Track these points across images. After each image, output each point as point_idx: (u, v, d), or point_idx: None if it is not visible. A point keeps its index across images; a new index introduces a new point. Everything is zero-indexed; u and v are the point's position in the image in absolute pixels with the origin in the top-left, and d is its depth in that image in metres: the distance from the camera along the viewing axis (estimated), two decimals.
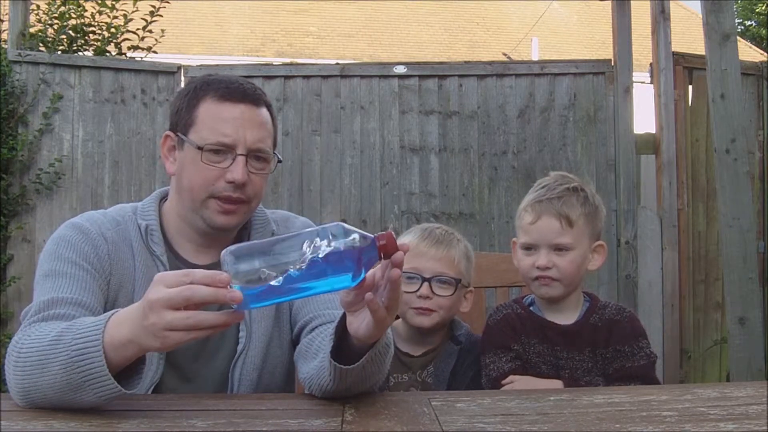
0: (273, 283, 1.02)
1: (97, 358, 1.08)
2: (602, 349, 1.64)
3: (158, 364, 1.43)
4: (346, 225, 1.06)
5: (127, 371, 1.14)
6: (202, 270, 1.04)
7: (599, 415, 1.13)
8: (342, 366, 1.17)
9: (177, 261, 1.50)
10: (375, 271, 1.10)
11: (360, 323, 1.14)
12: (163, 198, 1.58)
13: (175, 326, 1.02)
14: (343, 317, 1.19)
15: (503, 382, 1.59)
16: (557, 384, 1.57)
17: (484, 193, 4.36)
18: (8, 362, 1.19)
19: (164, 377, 1.44)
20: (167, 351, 1.39)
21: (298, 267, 1.02)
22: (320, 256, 1.03)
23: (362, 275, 1.06)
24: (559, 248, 1.64)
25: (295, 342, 1.52)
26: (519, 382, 1.58)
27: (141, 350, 1.09)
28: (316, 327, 1.44)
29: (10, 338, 1.23)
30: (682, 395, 1.26)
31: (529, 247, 1.67)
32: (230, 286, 1.01)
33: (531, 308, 1.72)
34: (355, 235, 1.05)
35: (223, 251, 1.04)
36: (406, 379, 1.75)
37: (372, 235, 1.07)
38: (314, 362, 1.29)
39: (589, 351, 1.64)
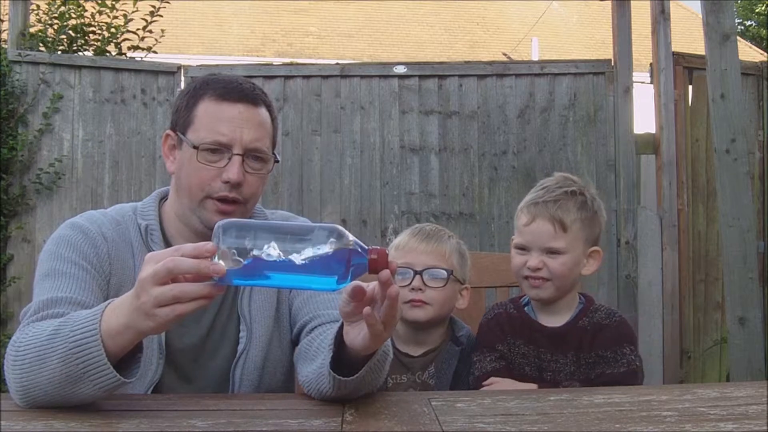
0: (259, 261, 1.02)
1: (96, 347, 1.08)
2: (586, 353, 1.63)
3: (158, 363, 1.43)
4: (342, 229, 1.06)
5: (125, 362, 1.14)
6: (191, 244, 1.05)
7: (599, 415, 1.13)
8: (341, 377, 1.18)
9: None
10: (375, 286, 1.09)
11: (357, 334, 1.14)
12: (163, 198, 1.58)
13: (161, 301, 1.02)
14: (341, 326, 1.19)
15: (484, 383, 1.60)
16: (532, 387, 1.57)
17: (484, 193, 4.36)
18: (7, 362, 1.19)
19: (164, 377, 1.44)
20: (161, 331, 1.38)
21: (287, 256, 1.02)
22: (311, 252, 1.03)
23: (347, 281, 1.05)
24: (551, 251, 1.64)
25: (294, 342, 1.52)
26: (497, 384, 1.58)
27: (137, 335, 1.09)
28: (316, 327, 1.44)
29: (10, 338, 1.24)
30: (682, 395, 1.26)
31: (522, 248, 1.68)
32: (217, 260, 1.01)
33: (525, 309, 1.72)
34: (350, 241, 1.05)
35: (218, 223, 1.04)
36: (405, 380, 1.74)
37: (366, 247, 1.06)
38: (313, 365, 1.29)
39: (572, 354, 1.63)
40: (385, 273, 1.05)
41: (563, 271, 1.64)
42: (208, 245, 1.02)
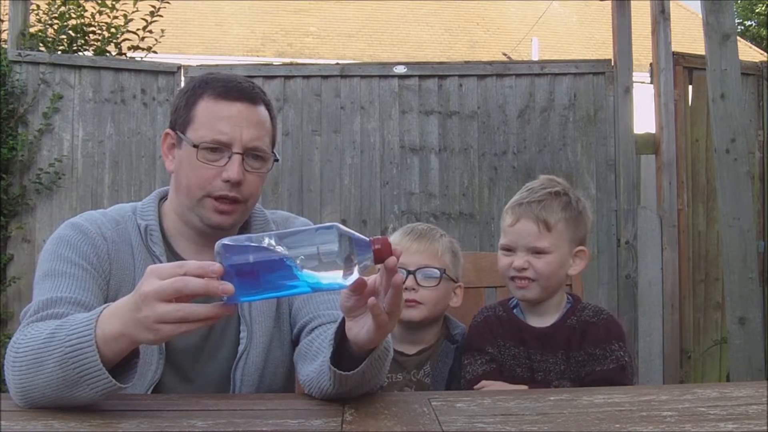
0: (265, 275, 1.02)
1: (90, 353, 1.08)
2: (575, 351, 1.64)
3: (158, 364, 1.43)
4: (342, 226, 1.06)
5: (122, 366, 1.14)
6: (195, 261, 1.04)
7: (599, 415, 1.13)
8: (342, 372, 1.17)
9: (176, 261, 1.50)
10: (376, 277, 1.10)
11: (360, 329, 1.14)
12: (163, 198, 1.58)
13: (166, 318, 1.02)
14: (342, 322, 1.19)
15: (475, 387, 1.60)
16: (522, 389, 1.57)
17: (484, 193, 4.36)
18: (7, 362, 1.19)
19: (164, 377, 1.44)
20: (160, 343, 1.39)
21: (290, 264, 1.02)
22: (314, 253, 1.03)
23: (354, 277, 1.05)
24: (536, 251, 1.65)
25: (294, 342, 1.52)
26: (489, 387, 1.59)
27: (133, 343, 1.09)
28: (316, 327, 1.44)
29: (10, 338, 1.24)
30: (682, 395, 1.26)
31: (507, 249, 1.69)
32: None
33: (514, 310, 1.74)
34: (351, 237, 1.05)
35: (218, 242, 1.04)
36: (401, 378, 1.75)
37: (368, 239, 1.06)
38: (314, 364, 1.29)
39: (562, 354, 1.64)
40: (392, 260, 1.06)
41: (549, 271, 1.65)
42: (215, 266, 1.01)
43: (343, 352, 1.21)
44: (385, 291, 1.09)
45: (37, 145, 4.23)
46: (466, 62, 5.11)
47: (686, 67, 4.31)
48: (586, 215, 1.72)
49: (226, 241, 1.04)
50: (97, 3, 4.90)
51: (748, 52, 13.04)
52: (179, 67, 4.42)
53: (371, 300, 1.07)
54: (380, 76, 4.42)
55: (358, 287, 1.08)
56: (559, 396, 1.27)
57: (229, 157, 1.43)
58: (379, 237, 1.07)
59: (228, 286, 1.00)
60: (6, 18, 4.54)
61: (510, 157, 4.37)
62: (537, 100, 4.39)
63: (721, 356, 4.21)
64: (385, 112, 4.40)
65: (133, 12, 4.87)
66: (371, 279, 1.10)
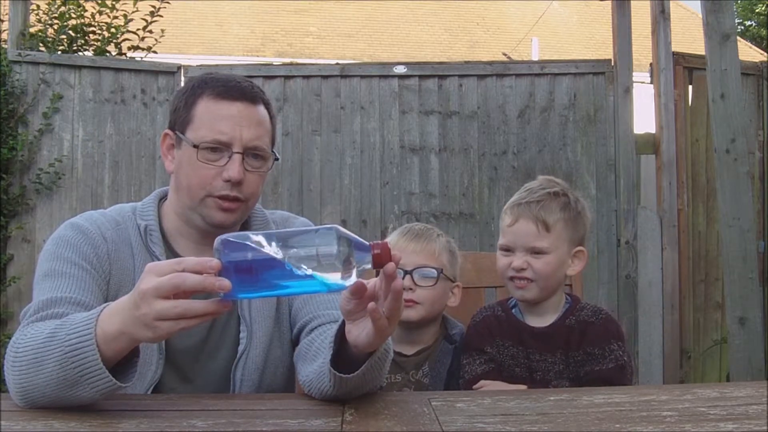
0: (263, 273, 1.01)
1: (91, 352, 1.08)
2: (574, 351, 1.64)
3: (158, 364, 1.43)
4: (341, 228, 1.06)
5: (123, 365, 1.14)
6: (193, 258, 1.04)
7: (599, 415, 1.13)
8: (341, 375, 1.18)
9: None
10: (376, 281, 1.10)
11: (360, 332, 1.14)
12: (163, 198, 1.58)
13: (165, 315, 1.02)
14: (342, 324, 1.19)
15: (474, 386, 1.61)
16: (521, 389, 1.58)
17: (484, 193, 4.36)
18: (6, 363, 1.19)
19: (164, 377, 1.44)
20: (160, 341, 1.39)
21: (289, 263, 1.02)
22: (313, 254, 1.03)
23: (352, 279, 1.05)
24: (535, 251, 1.66)
25: (294, 342, 1.52)
26: (487, 387, 1.59)
27: (133, 341, 1.09)
28: (316, 327, 1.44)
29: (10, 338, 1.24)
30: (682, 395, 1.26)
31: (506, 249, 1.69)
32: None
33: (513, 310, 1.74)
34: (350, 239, 1.05)
35: (217, 238, 1.04)
36: (399, 379, 1.75)
37: (368, 243, 1.06)
38: (314, 365, 1.29)
39: (560, 353, 1.64)
40: (391, 266, 1.05)
41: (547, 271, 1.65)
42: (212, 262, 1.01)
43: (343, 354, 1.21)
44: (385, 296, 1.09)
45: (37, 145, 4.23)
46: (466, 62, 5.11)
47: (686, 67, 4.31)
48: (584, 216, 1.73)
49: (225, 237, 1.03)
50: (97, 3, 4.90)
51: (748, 52, 13.04)
52: (179, 67, 4.42)
53: (371, 305, 1.07)
54: (380, 76, 4.42)
55: (358, 291, 1.08)
56: (559, 396, 1.27)
57: (230, 157, 1.43)
58: (379, 242, 1.06)
59: (225, 282, 1.00)
60: (6, 18, 4.54)
61: (510, 157, 4.37)
62: (537, 100, 4.39)
63: (721, 356, 4.21)
64: (385, 112, 4.40)
65: (133, 12, 4.87)
66: (371, 283, 1.09)
